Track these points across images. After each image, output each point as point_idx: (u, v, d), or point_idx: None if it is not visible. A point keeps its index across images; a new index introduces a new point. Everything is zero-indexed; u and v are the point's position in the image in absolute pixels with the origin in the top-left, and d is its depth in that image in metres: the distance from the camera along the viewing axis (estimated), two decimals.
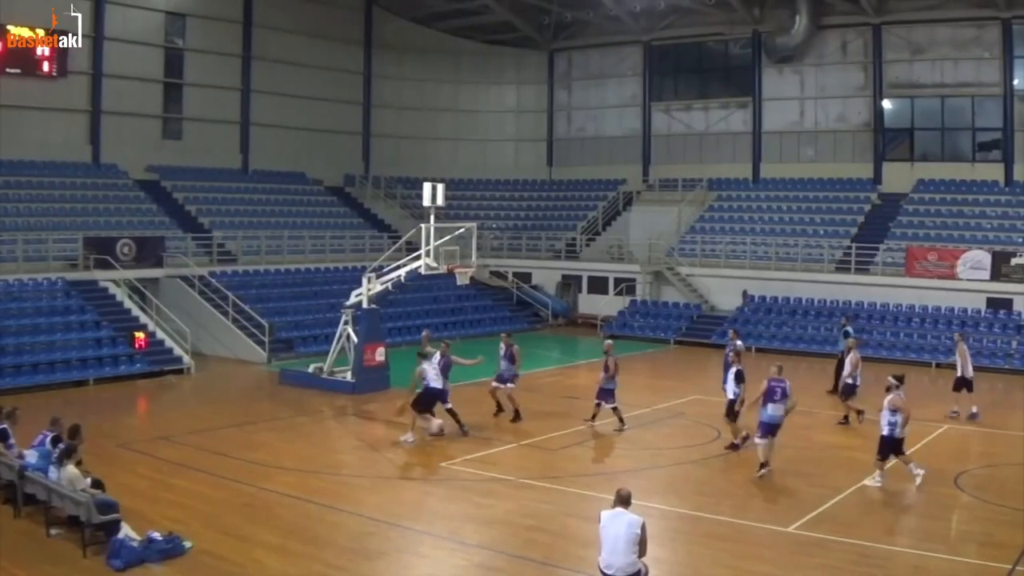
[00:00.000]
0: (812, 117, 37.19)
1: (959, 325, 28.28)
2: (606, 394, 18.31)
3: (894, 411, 14.26)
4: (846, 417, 19.14)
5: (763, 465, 15.04)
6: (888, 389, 14.62)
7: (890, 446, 14.36)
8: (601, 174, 41.35)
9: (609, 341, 19.66)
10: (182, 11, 35.04)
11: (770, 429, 14.99)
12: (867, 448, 16.86)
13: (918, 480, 14.39)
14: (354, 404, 20.43)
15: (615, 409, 18.39)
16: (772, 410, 14.92)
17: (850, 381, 19.07)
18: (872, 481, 14.52)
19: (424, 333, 20.86)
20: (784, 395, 14.99)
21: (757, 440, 15.23)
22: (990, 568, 11.07)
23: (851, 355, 19.29)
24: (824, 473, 15.20)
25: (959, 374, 20.11)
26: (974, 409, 20.01)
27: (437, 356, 17.63)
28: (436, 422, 17.46)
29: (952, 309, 28.94)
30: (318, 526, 12.48)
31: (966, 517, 13.46)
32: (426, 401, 17.33)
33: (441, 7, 40.88)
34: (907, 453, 14.63)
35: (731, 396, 16.57)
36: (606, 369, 18.20)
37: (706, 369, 24.40)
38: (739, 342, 20.09)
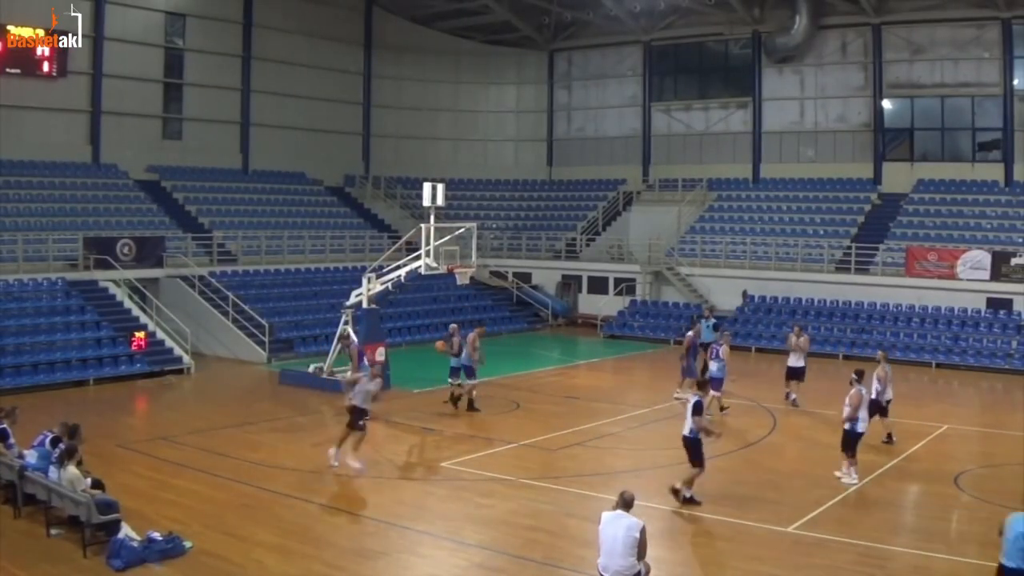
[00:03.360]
0: (812, 117, 37.19)
1: (959, 325, 28.34)
2: (468, 371, 20.24)
3: (851, 407, 14.63)
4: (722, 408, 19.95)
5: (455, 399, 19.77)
6: (851, 384, 15.07)
7: (852, 440, 14.65)
8: (601, 174, 41.36)
9: (454, 324, 21.27)
10: (182, 11, 35.03)
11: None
12: (869, 449, 16.89)
13: (842, 477, 14.64)
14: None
15: (472, 387, 20.22)
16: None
17: (720, 375, 19.88)
18: (847, 478, 14.67)
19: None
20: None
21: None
22: (990, 568, 11.00)
23: (723, 348, 20.28)
24: (824, 473, 15.18)
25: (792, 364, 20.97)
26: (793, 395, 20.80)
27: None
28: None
29: (952, 309, 28.92)
30: (318, 526, 12.48)
31: (966, 517, 13.46)
32: None
33: (441, 7, 40.88)
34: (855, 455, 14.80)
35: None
36: (449, 348, 20.35)
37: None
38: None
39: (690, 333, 22.06)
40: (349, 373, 19.82)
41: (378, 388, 15.92)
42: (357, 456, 15.02)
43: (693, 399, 13.61)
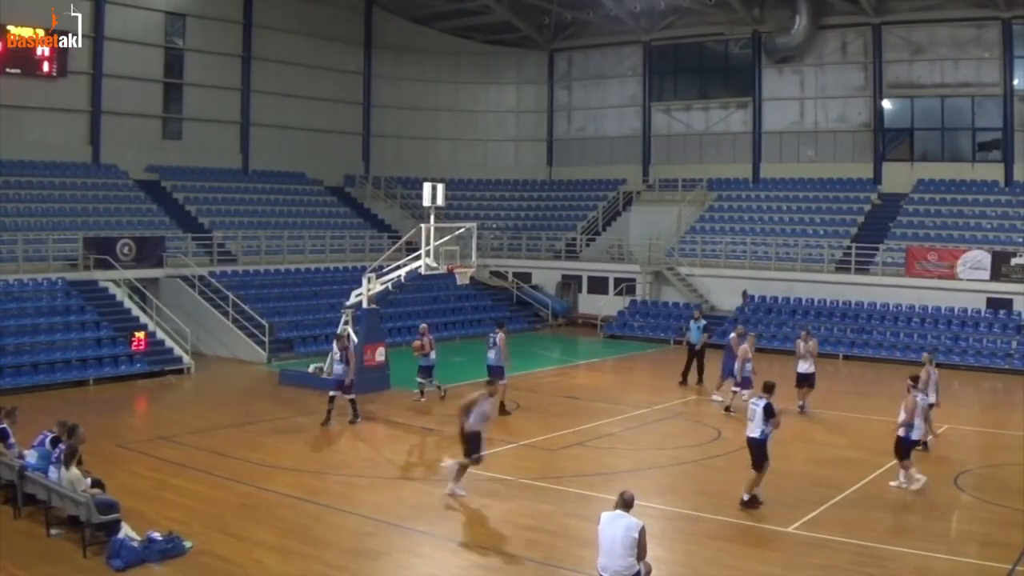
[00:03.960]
0: (812, 117, 37.19)
1: (959, 325, 28.34)
2: (425, 371, 20.84)
3: (905, 412, 14.21)
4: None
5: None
6: (909, 390, 14.68)
7: (905, 447, 14.22)
8: (601, 174, 41.37)
9: (424, 324, 21.74)
10: (182, 11, 35.04)
11: (490, 371, 19.40)
12: (866, 448, 16.91)
13: (894, 483, 14.39)
14: None
15: (431, 382, 20.88)
16: (489, 356, 19.65)
17: (747, 375, 19.79)
18: (914, 484, 14.25)
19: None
20: (493, 344, 19.67)
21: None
22: (990, 568, 11.07)
23: (744, 346, 20.02)
24: (824, 473, 15.20)
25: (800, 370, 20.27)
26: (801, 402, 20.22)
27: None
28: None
29: (952, 309, 28.92)
30: (318, 526, 12.47)
31: (966, 517, 13.45)
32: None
33: (441, 7, 40.89)
34: (911, 459, 14.43)
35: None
36: (422, 347, 20.83)
37: (706, 369, 24.38)
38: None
39: (733, 335, 21.22)
40: (348, 372, 19.62)
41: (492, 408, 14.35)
42: (459, 484, 13.87)
43: (762, 402, 13.46)
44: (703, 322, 24.18)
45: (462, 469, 13.82)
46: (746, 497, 13.32)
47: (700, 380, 23.60)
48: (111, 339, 24.20)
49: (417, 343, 21.09)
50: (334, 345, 19.25)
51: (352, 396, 18.96)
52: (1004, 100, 33.09)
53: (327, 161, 39.96)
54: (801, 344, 20.40)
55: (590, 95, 42.51)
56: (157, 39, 34.67)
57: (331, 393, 18.79)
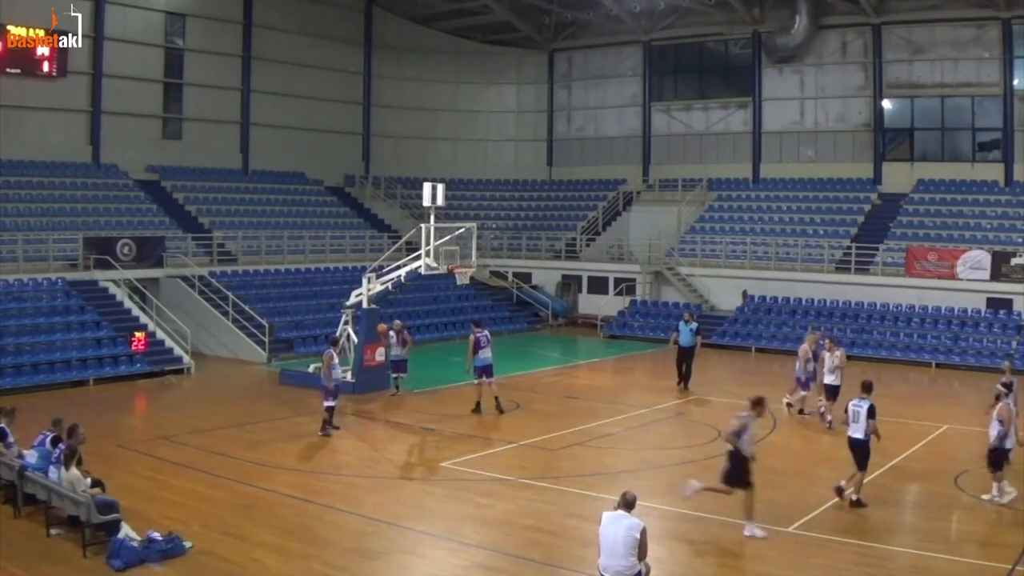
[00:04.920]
0: (812, 117, 37.20)
1: (959, 325, 28.34)
2: (400, 364, 21.59)
3: (1001, 421, 13.62)
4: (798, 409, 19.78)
5: (477, 404, 19.51)
6: (998, 397, 14.16)
7: (999, 457, 13.72)
8: (601, 174, 41.38)
9: (398, 322, 22.39)
10: (182, 11, 35.06)
11: (483, 371, 19.67)
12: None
13: (996, 499, 13.69)
14: (354, 404, 20.43)
15: (397, 377, 21.55)
16: (483, 355, 19.59)
17: (803, 376, 19.56)
18: (988, 497, 13.71)
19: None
20: (488, 341, 19.77)
21: (475, 381, 19.81)
22: (990, 568, 11.07)
23: (802, 347, 19.65)
24: (824, 473, 15.18)
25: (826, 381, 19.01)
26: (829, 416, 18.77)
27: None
28: None
29: (952, 309, 28.92)
30: (318, 526, 12.47)
31: (966, 517, 13.44)
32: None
33: (441, 7, 40.92)
34: (1004, 469, 13.78)
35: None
36: (403, 344, 21.50)
37: (705, 369, 24.41)
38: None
39: (806, 344, 20.03)
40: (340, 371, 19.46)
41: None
42: (754, 522, 12.26)
43: (866, 404, 13.37)
44: (695, 324, 23.39)
45: (748, 505, 12.33)
46: (855, 497, 13.32)
47: (686, 384, 22.99)
48: (111, 339, 24.20)
49: (383, 327, 21.81)
50: (332, 349, 18.60)
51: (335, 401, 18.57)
52: (1004, 100, 33.09)
53: (327, 161, 39.97)
54: (826, 356, 18.93)
55: (590, 95, 42.52)
56: (157, 39, 34.69)
57: (331, 404, 18.27)
